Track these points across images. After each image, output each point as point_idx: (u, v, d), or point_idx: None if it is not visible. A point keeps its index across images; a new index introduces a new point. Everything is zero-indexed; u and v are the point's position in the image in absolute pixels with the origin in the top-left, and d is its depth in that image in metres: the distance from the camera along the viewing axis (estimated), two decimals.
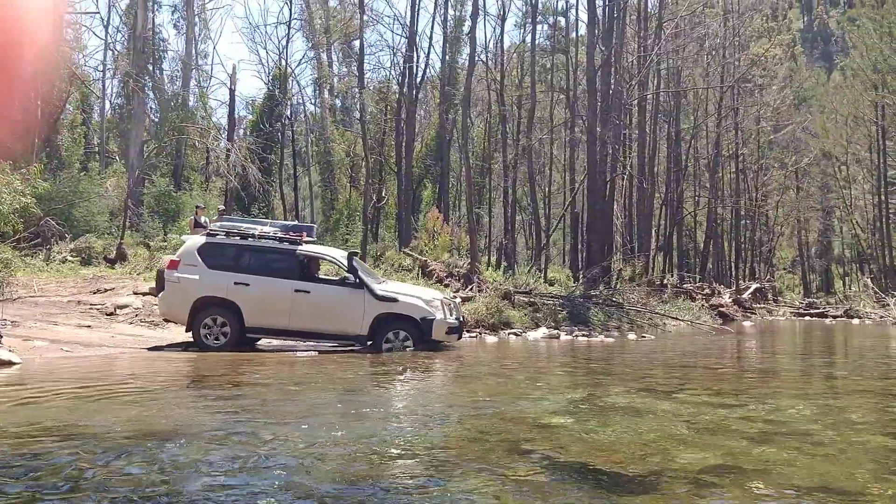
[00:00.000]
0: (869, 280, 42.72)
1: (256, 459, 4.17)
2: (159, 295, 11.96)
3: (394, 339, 11.57)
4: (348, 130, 40.05)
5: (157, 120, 34.03)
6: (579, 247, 34.76)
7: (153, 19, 35.73)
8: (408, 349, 11.49)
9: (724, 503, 3.46)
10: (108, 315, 13.76)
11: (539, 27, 40.08)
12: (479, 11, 31.07)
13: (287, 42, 35.97)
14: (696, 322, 22.39)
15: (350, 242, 26.94)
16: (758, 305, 33.96)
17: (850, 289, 52.62)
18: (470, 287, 19.93)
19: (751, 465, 4.20)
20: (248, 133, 38.43)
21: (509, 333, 16.56)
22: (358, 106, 32.93)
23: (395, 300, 11.70)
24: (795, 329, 23.95)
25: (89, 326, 12.75)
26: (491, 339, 15.74)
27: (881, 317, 26.24)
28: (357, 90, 31.86)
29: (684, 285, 32.05)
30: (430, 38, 42.41)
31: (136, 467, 3.96)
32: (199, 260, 11.56)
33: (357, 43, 33.17)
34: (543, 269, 29.22)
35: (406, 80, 32.29)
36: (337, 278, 12.38)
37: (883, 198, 46.34)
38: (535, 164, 39.46)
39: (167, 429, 5.15)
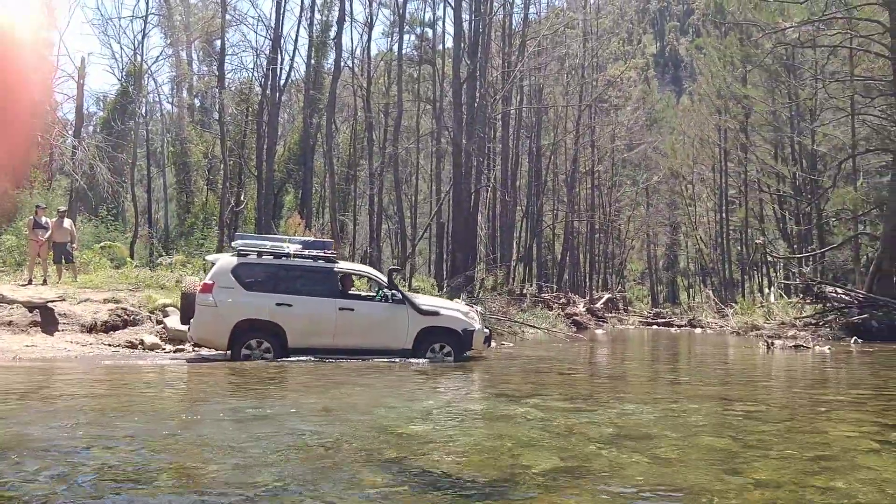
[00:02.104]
0: (710, 292, 45.64)
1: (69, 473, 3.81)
2: (192, 320, 11.30)
3: (437, 352, 11.74)
4: (207, 131, 38.50)
5: None
6: (445, 256, 35.06)
7: None
8: (447, 360, 11.65)
9: None
10: None
11: (406, 37, 40.25)
12: (346, 17, 30.84)
13: (143, 37, 34.20)
14: (552, 330, 23.07)
15: (206, 248, 25.85)
16: (609, 314, 35.50)
17: (693, 300, 56.01)
18: None
19: (598, 467, 4.27)
20: (98, 130, 36.23)
21: None
22: (217, 106, 31.77)
23: (437, 314, 11.90)
24: (644, 337, 25.18)
25: None
26: None
27: (721, 326, 27.98)
28: (217, 90, 30.72)
29: (542, 295, 33.02)
30: (296, 42, 41.81)
31: None
32: (235, 282, 11.20)
33: (218, 42, 31.97)
34: (409, 277, 29.24)
35: (269, 82, 31.45)
36: (371, 294, 12.40)
37: (724, 215, 49.75)
38: (402, 173, 39.61)
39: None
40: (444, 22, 39.58)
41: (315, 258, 11.78)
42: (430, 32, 41.73)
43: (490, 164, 38.67)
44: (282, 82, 33.68)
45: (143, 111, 36.51)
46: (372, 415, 6.36)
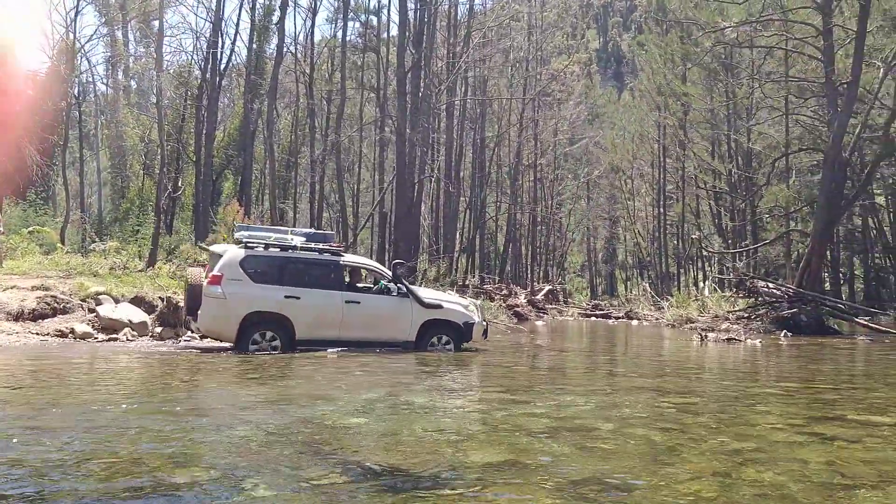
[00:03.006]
0: (647, 285, 46.48)
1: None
2: (199, 312, 11.23)
3: (437, 343, 12.07)
4: (144, 115, 37.46)
5: None
6: (387, 246, 34.91)
7: None
8: (448, 352, 11.95)
9: (509, 498, 3.48)
10: None
11: (351, 24, 39.93)
12: (290, 2, 30.38)
13: (76, 14, 32.96)
14: (493, 321, 23.15)
15: (141, 234, 25.18)
16: (550, 306, 35.85)
17: (631, 292, 57.02)
18: None
19: (535, 459, 4.30)
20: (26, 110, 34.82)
21: None
22: (155, 89, 30.91)
23: (440, 307, 12.19)
24: (582, 329, 25.53)
25: None
26: None
27: (657, 319, 28.48)
28: (154, 72, 29.87)
29: (485, 286, 33.16)
30: (237, 25, 41.08)
31: None
32: (244, 274, 11.19)
33: (156, 23, 31.09)
34: None
35: (209, 65, 30.78)
36: (367, 286, 12.63)
37: (661, 210, 50.82)
38: (344, 161, 39.27)
39: None
40: (389, 10, 39.48)
41: (321, 251, 11.83)
42: (374, 20, 41.48)
43: (434, 154, 38.64)
44: (222, 66, 33.02)
45: (76, 91, 35.27)
46: (312, 407, 6.28)
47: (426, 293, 12.94)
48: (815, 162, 31.39)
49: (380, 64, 36.86)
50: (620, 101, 71.10)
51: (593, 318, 33.21)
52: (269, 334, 11.22)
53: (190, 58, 36.39)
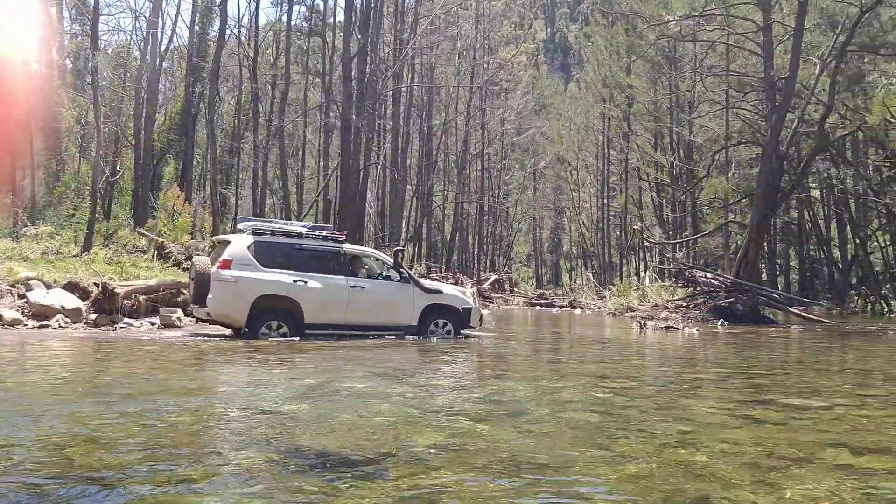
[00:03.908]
0: (591, 275, 47.21)
1: None
2: (209, 297, 11.28)
3: (437, 328, 12.63)
4: (80, 95, 36.28)
5: None
6: None
7: None
8: (448, 337, 12.60)
9: (446, 478, 3.47)
10: None
11: (296, 8, 39.35)
12: None
13: None
14: None
15: (77, 219, 24.42)
16: (496, 295, 36.12)
17: (575, 282, 57.82)
18: None
19: (475, 442, 4.29)
20: None
21: None
22: (90, 69, 29.89)
23: (440, 292, 12.90)
24: (527, 317, 25.75)
25: None
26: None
27: (599, 307, 28.91)
28: (90, 52, 28.88)
29: (431, 275, 33.16)
30: (178, 6, 40.10)
31: None
32: (253, 259, 11.46)
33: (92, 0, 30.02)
34: None
35: (149, 46, 29.94)
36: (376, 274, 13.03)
37: (605, 201, 51.50)
38: (288, 147, 38.73)
39: None
40: None
41: (325, 238, 12.27)
42: (321, 4, 40.93)
43: (380, 141, 38.39)
44: (163, 48, 32.13)
45: None
46: (250, 392, 6.18)
47: (424, 281, 13.52)
48: (754, 155, 32.15)
49: (325, 49, 36.41)
50: (567, 92, 71.58)
51: (538, 307, 33.52)
52: (275, 323, 11.45)
53: (129, 38, 35.41)
